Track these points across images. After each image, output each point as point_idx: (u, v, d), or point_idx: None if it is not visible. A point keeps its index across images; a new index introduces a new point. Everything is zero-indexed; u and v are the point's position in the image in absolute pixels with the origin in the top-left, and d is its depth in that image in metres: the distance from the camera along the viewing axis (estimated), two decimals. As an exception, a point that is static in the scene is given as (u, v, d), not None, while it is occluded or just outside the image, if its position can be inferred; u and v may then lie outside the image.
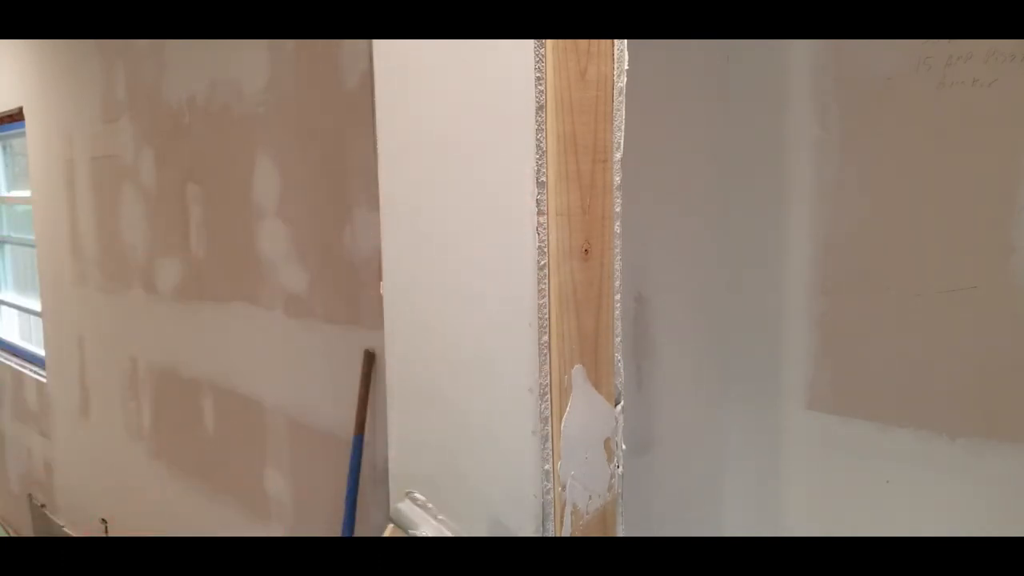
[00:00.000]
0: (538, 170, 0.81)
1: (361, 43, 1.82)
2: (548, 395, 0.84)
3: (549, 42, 0.80)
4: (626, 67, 0.88)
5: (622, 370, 0.92)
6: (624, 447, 0.93)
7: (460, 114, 0.88)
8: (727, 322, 1.50)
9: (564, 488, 0.86)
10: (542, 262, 0.82)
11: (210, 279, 2.50)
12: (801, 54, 1.36)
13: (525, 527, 0.86)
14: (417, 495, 0.98)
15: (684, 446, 1.48)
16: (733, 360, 1.50)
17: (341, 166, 1.94)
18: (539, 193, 0.81)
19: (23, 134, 3.79)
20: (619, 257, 0.90)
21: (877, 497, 1.33)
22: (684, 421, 1.48)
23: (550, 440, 0.84)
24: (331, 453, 2.05)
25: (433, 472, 0.97)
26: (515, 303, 0.84)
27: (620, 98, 0.88)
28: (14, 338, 4.46)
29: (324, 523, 2.11)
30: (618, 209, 0.89)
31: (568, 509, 0.86)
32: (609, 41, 0.86)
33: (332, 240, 1.99)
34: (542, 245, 0.82)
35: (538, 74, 0.80)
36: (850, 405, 1.35)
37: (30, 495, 4.12)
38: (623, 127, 0.88)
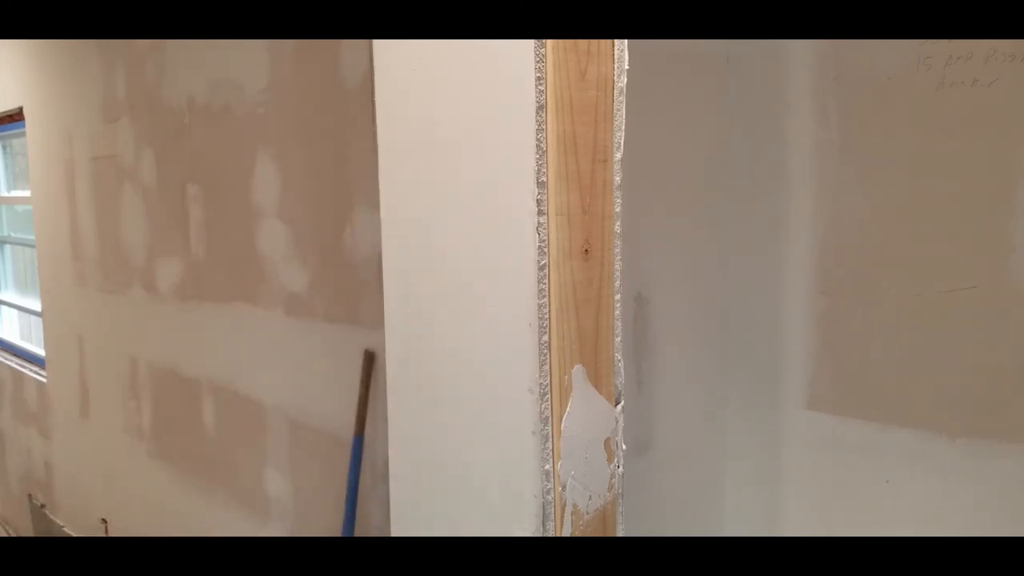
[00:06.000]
0: (538, 170, 0.81)
1: (361, 43, 1.82)
2: (548, 395, 0.84)
3: (549, 42, 0.80)
4: (626, 67, 0.88)
5: (622, 370, 0.92)
6: (624, 447, 0.93)
7: (460, 114, 0.88)
8: (727, 322, 1.50)
9: (564, 488, 0.86)
10: (542, 262, 0.82)
11: (210, 279, 2.50)
12: (801, 54, 1.36)
13: (525, 527, 0.86)
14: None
15: (684, 446, 1.48)
16: (733, 360, 1.50)
17: (341, 166, 1.94)
18: (539, 193, 0.81)
19: (23, 134, 3.79)
20: (619, 257, 0.90)
21: (877, 497, 1.33)
22: (684, 421, 1.48)
23: (550, 440, 0.84)
24: (331, 453, 2.05)
25: (433, 472, 0.97)
26: (515, 303, 0.84)
27: (620, 98, 0.88)
28: (14, 338, 4.46)
29: (324, 523, 2.11)
30: (618, 209, 0.89)
31: (568, 509, 0.86)
32: (609, 41, 0.86)
33: (332, 240, 1.98)
34: (542, 245, 0.82)
35: (538, 74, 0.80)
36: (850, 405, 1.35)
37: (30, 495, 4.12)
38: (623, 127, 0.88)
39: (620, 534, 0.94)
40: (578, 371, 0.86)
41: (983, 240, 1.19)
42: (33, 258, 3.91)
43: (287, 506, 2.28)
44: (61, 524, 3.79)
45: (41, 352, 3.91)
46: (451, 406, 0.93)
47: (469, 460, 0.92)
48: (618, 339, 0.91)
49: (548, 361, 0.83)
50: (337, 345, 2.01)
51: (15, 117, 3.88)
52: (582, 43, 0.83)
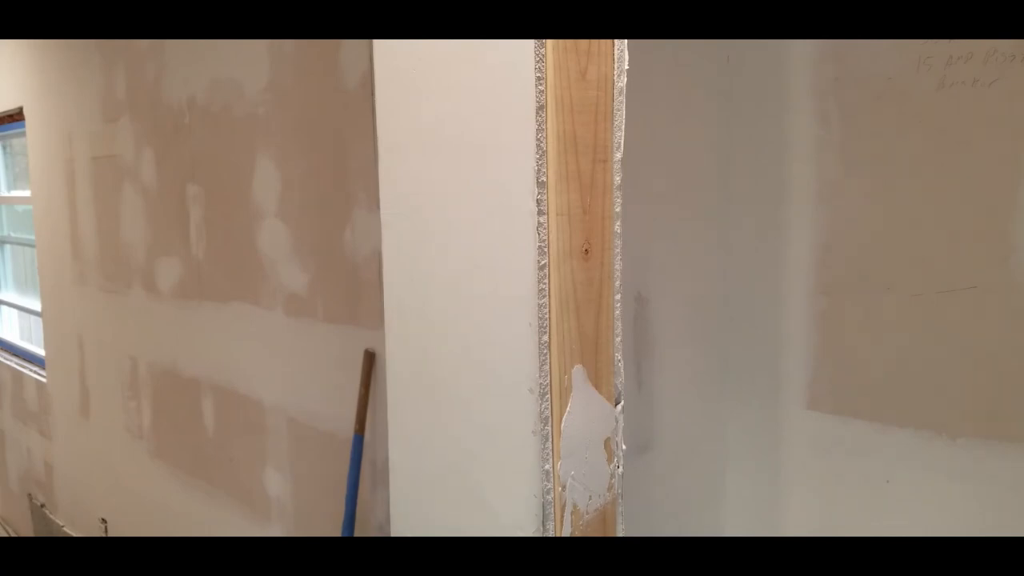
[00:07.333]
0: (538, 170, 0.81)
1: (361, 43, 1.82)
2: (548, 395, 0.84)
3: (549, 42, 0.80)
4: (626, 67, 0.88)
5: (622, 370, 0.92)
6: (624, 447, 0.93)
7: (460, 114, 0.88)
8: (727, 322, 1.50)
9: (564, 488, 0.86)
10: (542, 262, 0.82)
11: (210, 279, 2.50)
12: (801, 54, 1.36)
13: (525, 527, 0.86)
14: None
15: (684, 446, 1.48)
16: (733, 360, 1.50)
17: (341, 166, 1.94)
18: (539, 193, 0.81)
19: (23, 134, 3.79)
20: (619, 257, 0.90)
21: (877, 497, 1.33)
22: (684, 421, 1.48)
23: (550, 440, 0.84)
24: (331, 453, 2.05)
25: (433, 472, 0.97)
26: (515, 303, 0.84)
27: (620, 98, 0.88)
28: (14, 338, 4.46)
29: (324, 523, 2.11)
30: (618, 209, 0.89)
31: (568, 509, 0.86)
32: (609, 41, 0.86)
33: (332, 240, 1.98)
34: (542, 245, 0.82)
35: (538, 74, 0.80)
36: (850, 405, 1.35)
37: (30, 495, 4.12)
38: (623, 127, 0.88)
39: (620, 534, 0.94)
40: (578, 371, 0.86)
41: (983, 240, 1.19)
42: (33, 258, 3.91)
43: (287, 506, 2.28)
44: (61, 524, 3.79)
45: (41, 352, 3.91)
46: (451, 406, 0.93)
47: (469, 460, 0.92)
48: (618, 339, 0.91)
49: (548, 361, 0.83)
50: (337, 345, 2.01)
51: (15, 117, 3.88)
52: (582, 43, 0.83)
